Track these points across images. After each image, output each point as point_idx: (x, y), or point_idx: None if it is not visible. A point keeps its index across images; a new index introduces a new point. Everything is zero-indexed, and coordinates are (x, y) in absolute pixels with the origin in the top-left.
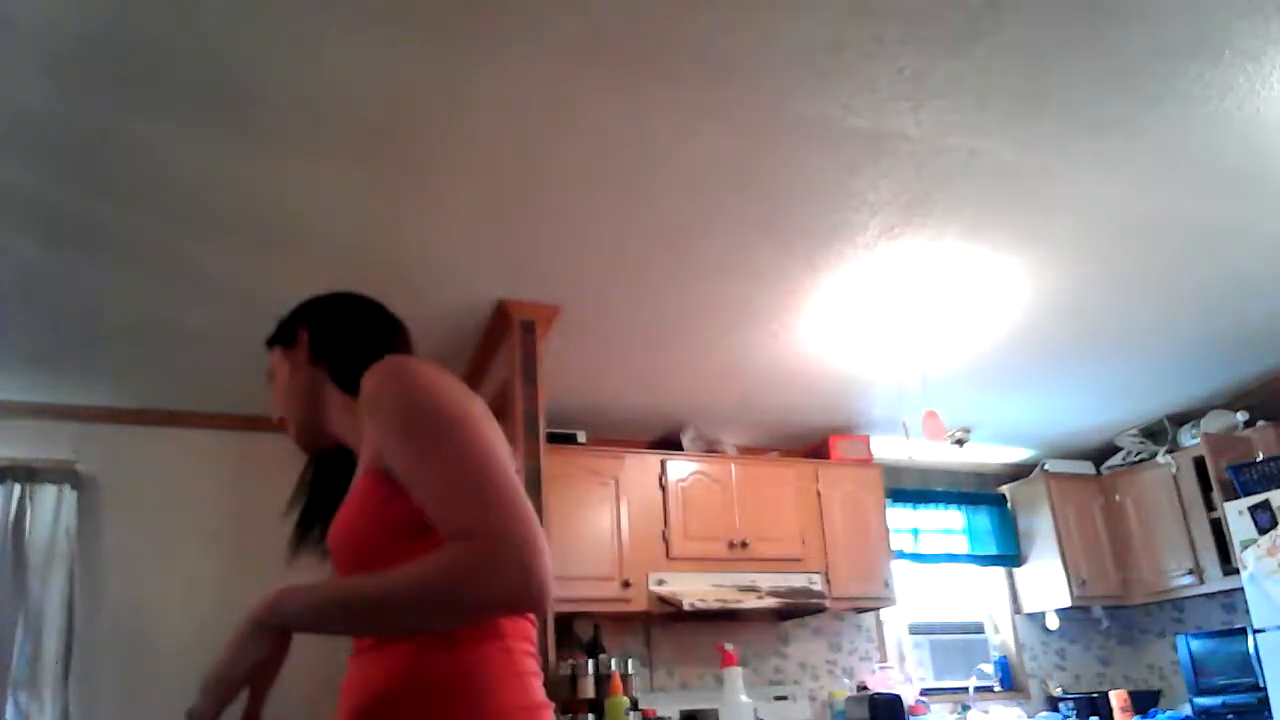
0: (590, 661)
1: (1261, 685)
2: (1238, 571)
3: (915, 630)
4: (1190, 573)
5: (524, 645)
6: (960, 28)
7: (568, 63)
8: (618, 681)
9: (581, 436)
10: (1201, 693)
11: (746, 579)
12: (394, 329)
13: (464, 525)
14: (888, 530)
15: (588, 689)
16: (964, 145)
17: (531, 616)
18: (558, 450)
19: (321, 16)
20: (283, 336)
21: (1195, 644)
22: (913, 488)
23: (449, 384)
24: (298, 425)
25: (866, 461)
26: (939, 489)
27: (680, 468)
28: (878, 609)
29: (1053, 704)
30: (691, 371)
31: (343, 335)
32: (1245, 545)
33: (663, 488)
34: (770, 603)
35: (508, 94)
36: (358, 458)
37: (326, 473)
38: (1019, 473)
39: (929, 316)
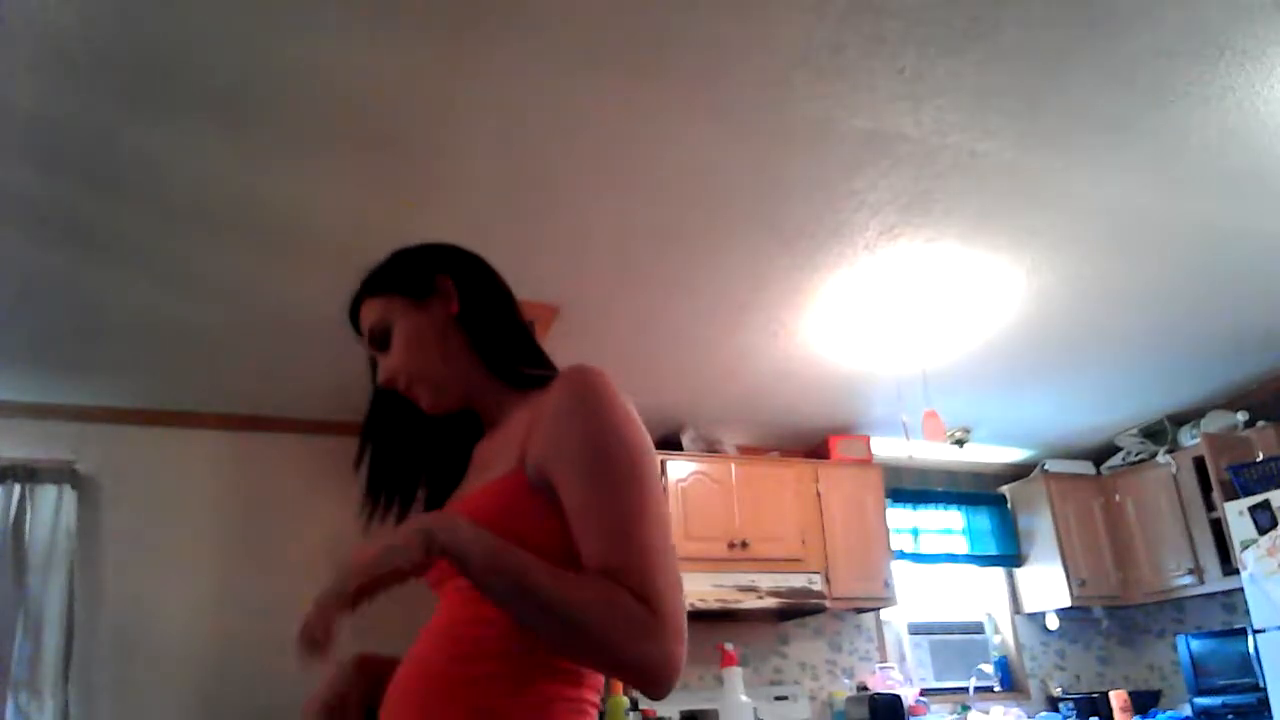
0: None
1: (1261, 685)
2: (1238, 571)
3: (915, 630)
4: (1190, 573)
5: (593, 696)
6: (960, 28)
7: (568, 62)
8: (617, 681)
9: None
10: (1201, 693)
11: (746, 579)
12: (512, 296)
13: (633, 589)
14: (888, 530)
15: None
16: (964, 145)
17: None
18: None
19: (322, 16)
20: (407, 286)
21: (1195, 644)
22: (913, 488)
23: (636, 419)
24: (434, 387)
25: (866, 461)
26: (939, 489)
27: (680, 468)
28: (878, 609)
29: (1053, 704)
30: (691, 371)
31: (493, 302)
32: (1245, 545)
33: (663, 488)
34: (770, 603)
35: (508, 94)
36: (485, 425)
37: (404, 429)
38: (1019, 473)
39: (929, 316)
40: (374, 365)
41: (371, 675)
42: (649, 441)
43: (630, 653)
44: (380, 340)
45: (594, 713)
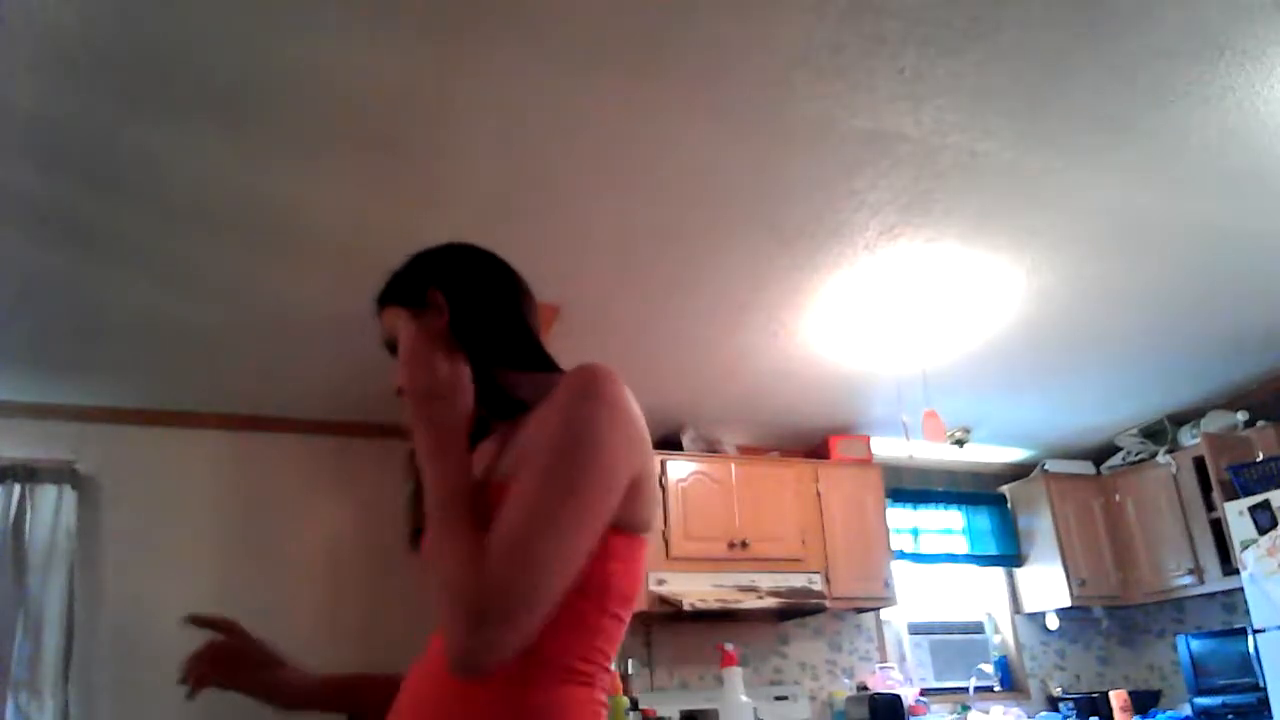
0: None
1: (1261, 685)
2: (1238, 571)
3: (915, 630)
4: (1190, 573)
5: (604, 697)
6: (960, 28)
7: (568, 62)
8: (618, 681)
9: None
10: (1201, 693)
11: (746, 579)
12: (524, 294)
13: (492, 575)
14: (888, 530)
15: None
16: (964, 145)
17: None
18: None
19: (322, 16)
20: (406, 296)
21: (1195, 644)
22: (913, 488)
23: (627, 423)
24: None
25: (866, 461)
26: (939, 489)
27: (680, 468)
28: (878, 609)
29: (1053, 704)
30: (691, 371)
31: (485, 311)
32: (1245, 545)
33: (663, 488)
34: (770, 603)
35: (508, 94)
36: (491, 425)
37: None
38: (1019, 473)
39: (929, 316)
40: None
41: (354, 689)
42: (627, 449)
43: (449, 627)
44: (392, 349)
45: (604, 713)
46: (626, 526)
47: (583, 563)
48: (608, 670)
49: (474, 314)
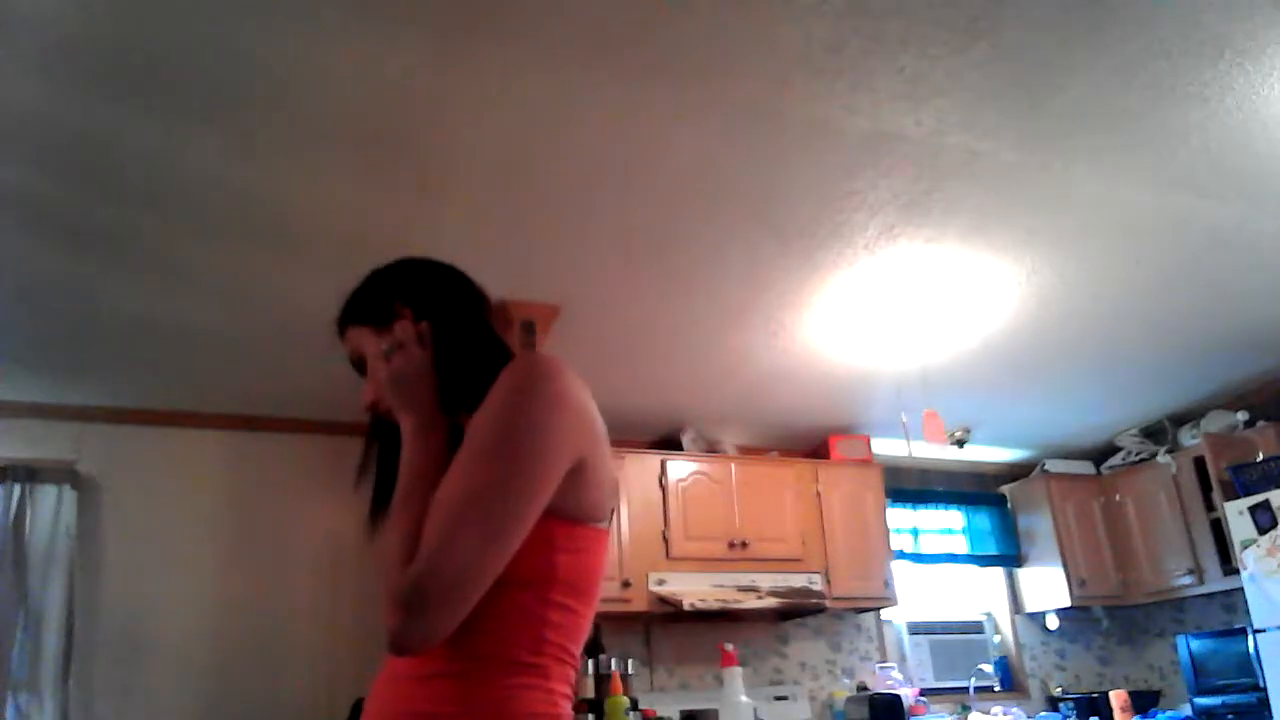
0: (590, 661)
1: (1261, 685)
2: (1238, 571)
3: (915, 630)
4: (1190, 573)
5: (564, 689)
6: (960, 28)
7: (567, 62)
8: (618, 681)
9: None
10: (1201, 693)
11: (746, 579)
12: (484, 299)
13: (421, 558)
14: (888, 530)
15: (588, 689)
16: (964, 145)
17: (575, 661)
18: None
19: (322, 16)
20: (373, 315)
21: (1195, 644)
22: (913, 488)
23: (565, 405)
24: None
25: (866, 461)
26: (939, 489)
27: (680, 468)
28: (878, 609)
29: (1053, 704)
30: (691, 371)
31: (452, 326)
32: (1245, 545)
33: (663, 488)
34: (770, 603)
35: (508, 94)
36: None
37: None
38: (1019, 473)
39: (929, 316)
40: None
41: None
42: (563, 435)
43: (385, 607)
44: (359, 368)
45: (565, 704)
46: (569, 514)
47: (515, 546)
48: (564, 662)
49: (441, 323)
